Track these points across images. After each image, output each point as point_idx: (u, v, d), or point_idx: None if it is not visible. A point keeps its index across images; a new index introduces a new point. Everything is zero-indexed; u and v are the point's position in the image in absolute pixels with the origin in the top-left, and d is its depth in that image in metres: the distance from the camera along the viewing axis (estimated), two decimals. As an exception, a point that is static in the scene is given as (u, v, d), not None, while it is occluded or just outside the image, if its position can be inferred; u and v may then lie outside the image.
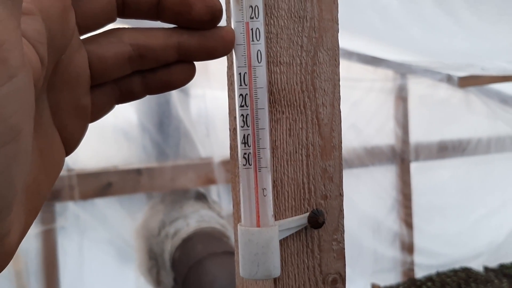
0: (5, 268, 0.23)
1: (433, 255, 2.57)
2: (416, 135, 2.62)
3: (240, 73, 0.29)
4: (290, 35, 0.31)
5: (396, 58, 2.18)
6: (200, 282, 1.71)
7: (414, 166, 2.63)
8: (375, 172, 2.57)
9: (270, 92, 0.31)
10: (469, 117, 2.64)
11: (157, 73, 0.29)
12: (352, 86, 2.38)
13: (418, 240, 2.59)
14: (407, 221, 2.59)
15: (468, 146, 2.66)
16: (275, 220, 0.30)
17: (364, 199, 2.50)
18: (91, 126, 0.29)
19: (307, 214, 0.32)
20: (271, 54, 0.31)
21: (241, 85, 0.29)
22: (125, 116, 1.97)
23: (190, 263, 1.77)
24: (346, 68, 2.34)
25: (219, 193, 2.05)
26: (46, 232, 1.79)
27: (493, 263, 2.49)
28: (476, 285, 2.20)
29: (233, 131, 0.34)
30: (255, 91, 0.29)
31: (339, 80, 0.33)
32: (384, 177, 2.61)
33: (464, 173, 2.67)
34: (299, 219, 0.31)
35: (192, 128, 2.02)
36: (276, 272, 0.30)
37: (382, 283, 2.39)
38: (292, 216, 0.31)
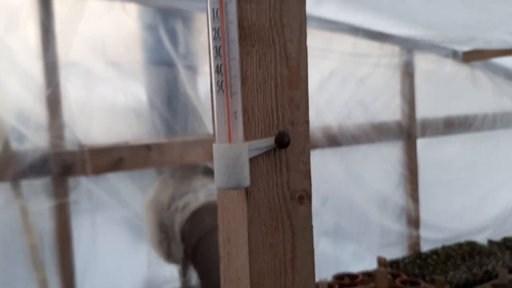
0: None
1: (439, 230, 2.60)
2: (423, 111, 2.63)
3: (213, 8, 0.33)
4: (259, -23, 0.35)
5: (400, 32, 2.19)
6: (208, 252, 1.76)
7: (420, 142, 2.66)
8: (382, 148, 2.59)
9: (241, 28, 0.35)
10: (475, 92, 2.65)
11: None
12: (358, 62, 2.39)
13: (425, 215, 2.62)
14: (414, 196, 2.62)
15: (474, 122, 2.67)
16: (246, 140, 0.35)
17: (371, 174, 2.53)
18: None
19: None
20: (242, -7, 0.35)
21: (214, 19, 0.34)
22: (135, 93, 2.01)
23: (199, 234, 1.81)
24: (352, 44, 2.35)
25: (227, 168, 2.09)
26: (60, 206, 1.83)
27: (498, 237, 2.52)
28: (480, 258, 2.23)
29: (210, 66, 0.38)
30: (226, 24, 0.33)
31: (305, 19, 0.37)
32: (391, 153, 2.63)
33: (470, 148, 2.68)
34: (268, 141, 0.35)
35: (199, 105, 2.05)
36: (245, 182, 0.34)
37: (388, 257, 2.43)
38: (262, 139, 0.36)
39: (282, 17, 0.36)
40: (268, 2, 0.36)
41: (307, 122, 0.38)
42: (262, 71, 0.36)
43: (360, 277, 2.04)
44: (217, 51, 0.34)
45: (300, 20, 0.37)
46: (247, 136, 0.35)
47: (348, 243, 2.45)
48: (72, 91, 1.83)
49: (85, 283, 1.87)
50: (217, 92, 0.34)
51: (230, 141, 0.34)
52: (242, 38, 0.35)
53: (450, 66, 2.60)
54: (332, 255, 2.41)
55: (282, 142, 0.35)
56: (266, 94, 0.36)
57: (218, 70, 0.34)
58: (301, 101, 0.37)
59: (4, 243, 1.76)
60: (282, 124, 0.37)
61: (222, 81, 0.34)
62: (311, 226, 0.37)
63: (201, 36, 2.09)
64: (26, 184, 1.76)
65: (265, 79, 0.36)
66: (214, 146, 0.34)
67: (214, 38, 0.34)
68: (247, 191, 0.35)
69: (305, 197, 0.37)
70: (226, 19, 0.33)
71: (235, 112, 0.34)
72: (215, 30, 0.34)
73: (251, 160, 0.35)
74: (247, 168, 0.34)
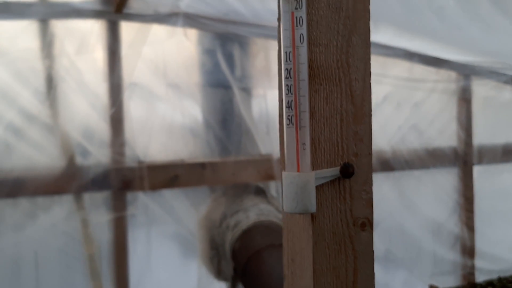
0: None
1: (495, 260, 2.51)
2: (480, 138, 2.57)
3: (286, 52, 0.37)
4: (328, 22, 0.39)
5: (457, 58, 2.17)
6: (258, 271, 1.77)
7: (477, 169, 2.59)
8: (437, 174, 2.55)
9: (311, 68, 0.39)
10: (536, 120, 2.56)
11: None
12: (413, 87, 2.38)
13: (480, 244, 2.54)
14: (469, 224, 2.54)
15: (534, 150, 2.58)
16: (313, 169, 0.38)
17: (425, 201, 2.48)
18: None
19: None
20: (312, 37, 0.39)
21: (286, 61, 0.37)
22: (192, 114, 2.08)
23: (249, 253, 1.83)
24: (407, 69, 2.35)
25: (277, 189, 2.11)
26: (118, 219, 1.90)
27: (559, 271, 2.40)
28: (540, 292, 2.14)
29: (280, 101, 0.42)
30: (297, 66, 0.37)
31: (369, 59, 0.40)
32: (446, 179, 2.57)
33: (530, 178, 2.59)
34: (333, 170, 0.39)
35: (253, 126, 2.09)
36: (312, 208, 0.37)
37: (441, 286, 2.37)
38: (327, 168, 0.39)
39: (348, 59, 0.40)
40: (336, 45, 0.40)
41: (370, 154, 0.41)
42: (329, 107, 0.39)
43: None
44: (289, 89, 0.38)
45: (365, 61, 0.41)
46: (314, 166, 0.39)
47: (399, 270, 2.41)
48: (134, 110, 1.92)
49: (139, 295, 1.93)
50: (287, 125, 0.38)
51: (298, 170, 0.37)
52: (311, 77, 0.39)
53: (510, 93, 2.54)
54: (382, 281, 2.37)
55: (346, 172, 0.38)
56: (332, 128, 0.39)
57: (289, 105, 0.38)
58: (365, 134, 0.40)
59: (65, 252, 1.85)
60: (346, 156, 0.40)
61: (292, 116, 0.37)
62: (372, 252, 0.40)
63: (256, 60, 2.15)
64: (88, 197, 1.85)
65: (331, 114, 0.39)
66: (284, 174, 0.38)
67: (286, 78, 0.38)
68: (313, 216, 0.38)
69: (367, 224, 0.39)
70: (298, 61, 0.37)
71: (304, 144, 0.37)
72: (287, 70, 0.38)
73: (317, 188, 0.38)
74: (314, 195, 0.38)
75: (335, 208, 0.39)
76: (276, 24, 0.38)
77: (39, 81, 1.79)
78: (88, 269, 1.85)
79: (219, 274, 2.03)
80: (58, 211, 1.84)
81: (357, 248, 0.39)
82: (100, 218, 1.89)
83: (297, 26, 0.37)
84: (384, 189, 2.39)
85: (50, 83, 1.80)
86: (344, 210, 0.39)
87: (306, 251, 0.38)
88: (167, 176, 1.96)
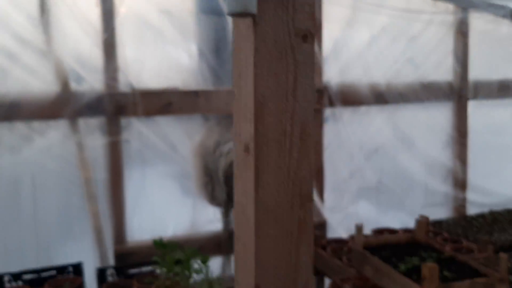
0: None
1: (487, 194, 2.54)
2: (476, 73, 2.56)
3: None
4: None
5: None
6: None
7: (472, 104, 2.59)
8: (431, 108, 2.55)
9: None
10: (534, 56, 2.54)
11: None
12: (410, 18, 2.34)
13: (473, 178, 2.57)
14: (462, 158, 2.57)
15: (531, 85, 2.57)
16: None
17: (418, 134, 2.49)
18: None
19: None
20: None
21: None
22: (185, 41, 2.06)
23: (241, 177, 1.86)
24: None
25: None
26: (112, 143, 1.92)
27: (550, 204, 2.44)
28: (528, 222, 2.18)
29: None
30: None
31: None
32: (440, 113, 2.58)
33: (526, 113, 2.59)
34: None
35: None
36: (252, 8, 0.39)
37: (432, 217, 2.42)
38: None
39: None
40: None
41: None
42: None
43: (400, 232, 2.05)
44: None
45: None
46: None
47: (390, 201, 2.45)
48: (126, 36, 1.91)
49: (135, 218, 1.98)
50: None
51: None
52: None
53: (508, 27, 2.51)
54: (374, 212, 2.42)
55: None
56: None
57: None
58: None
59: (62, 175, 1.89)
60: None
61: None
62: (313, 63, 0.41)
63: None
64: (83, 122, 1.87)
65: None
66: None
67: None
68: (255, 23, 0.40)
69: (308, 36, 0.41)
70: None
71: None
72: None
73: (260, -2, 0.39)
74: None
75: (277, 18, 0.40)
76: None
77: (32, 6, 1.78)
78: (84, 192, 1.88)
79: (213, 199, 2.08)
80: (54, 135, 1.87)
81: (298, 58, 0.41)
82: (95, 142, 1.91)
83: None
84: (378, 121, 2.40)
85: (43, 7, 1.79)
86: (287, 21, 0.41)
87: (249, 59, 0.40)
88: (161, 103, 1.97)
